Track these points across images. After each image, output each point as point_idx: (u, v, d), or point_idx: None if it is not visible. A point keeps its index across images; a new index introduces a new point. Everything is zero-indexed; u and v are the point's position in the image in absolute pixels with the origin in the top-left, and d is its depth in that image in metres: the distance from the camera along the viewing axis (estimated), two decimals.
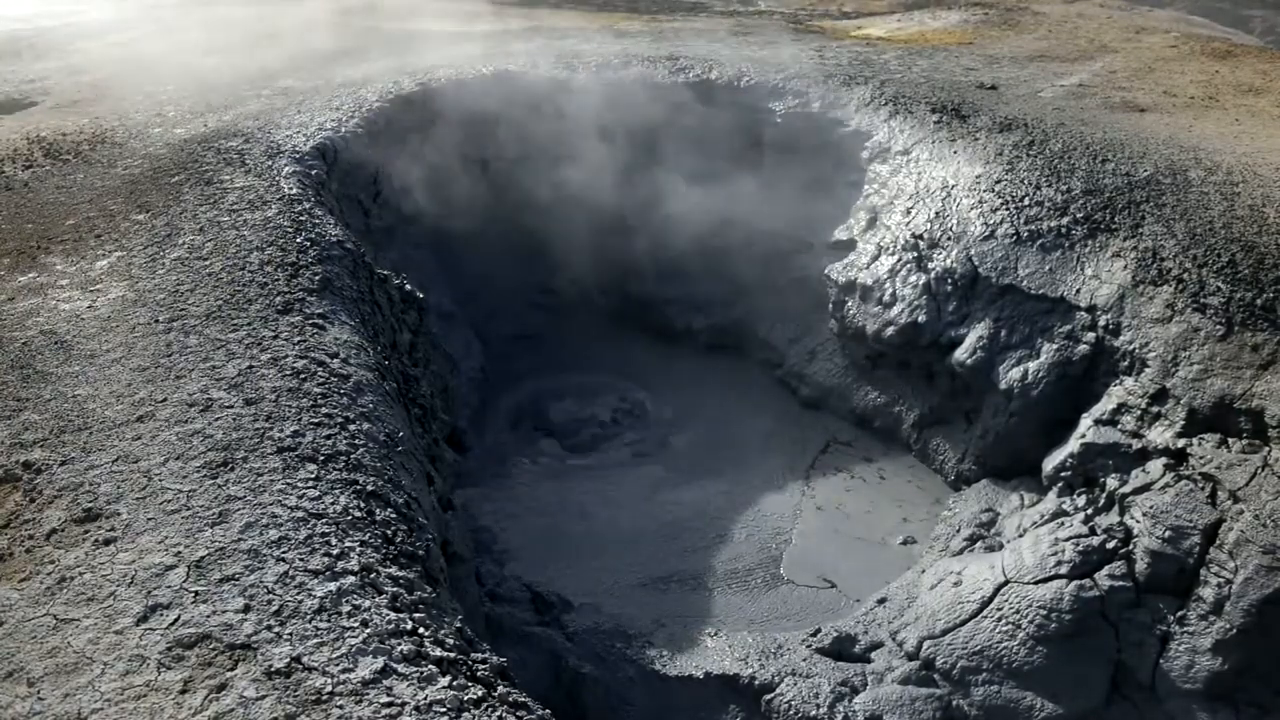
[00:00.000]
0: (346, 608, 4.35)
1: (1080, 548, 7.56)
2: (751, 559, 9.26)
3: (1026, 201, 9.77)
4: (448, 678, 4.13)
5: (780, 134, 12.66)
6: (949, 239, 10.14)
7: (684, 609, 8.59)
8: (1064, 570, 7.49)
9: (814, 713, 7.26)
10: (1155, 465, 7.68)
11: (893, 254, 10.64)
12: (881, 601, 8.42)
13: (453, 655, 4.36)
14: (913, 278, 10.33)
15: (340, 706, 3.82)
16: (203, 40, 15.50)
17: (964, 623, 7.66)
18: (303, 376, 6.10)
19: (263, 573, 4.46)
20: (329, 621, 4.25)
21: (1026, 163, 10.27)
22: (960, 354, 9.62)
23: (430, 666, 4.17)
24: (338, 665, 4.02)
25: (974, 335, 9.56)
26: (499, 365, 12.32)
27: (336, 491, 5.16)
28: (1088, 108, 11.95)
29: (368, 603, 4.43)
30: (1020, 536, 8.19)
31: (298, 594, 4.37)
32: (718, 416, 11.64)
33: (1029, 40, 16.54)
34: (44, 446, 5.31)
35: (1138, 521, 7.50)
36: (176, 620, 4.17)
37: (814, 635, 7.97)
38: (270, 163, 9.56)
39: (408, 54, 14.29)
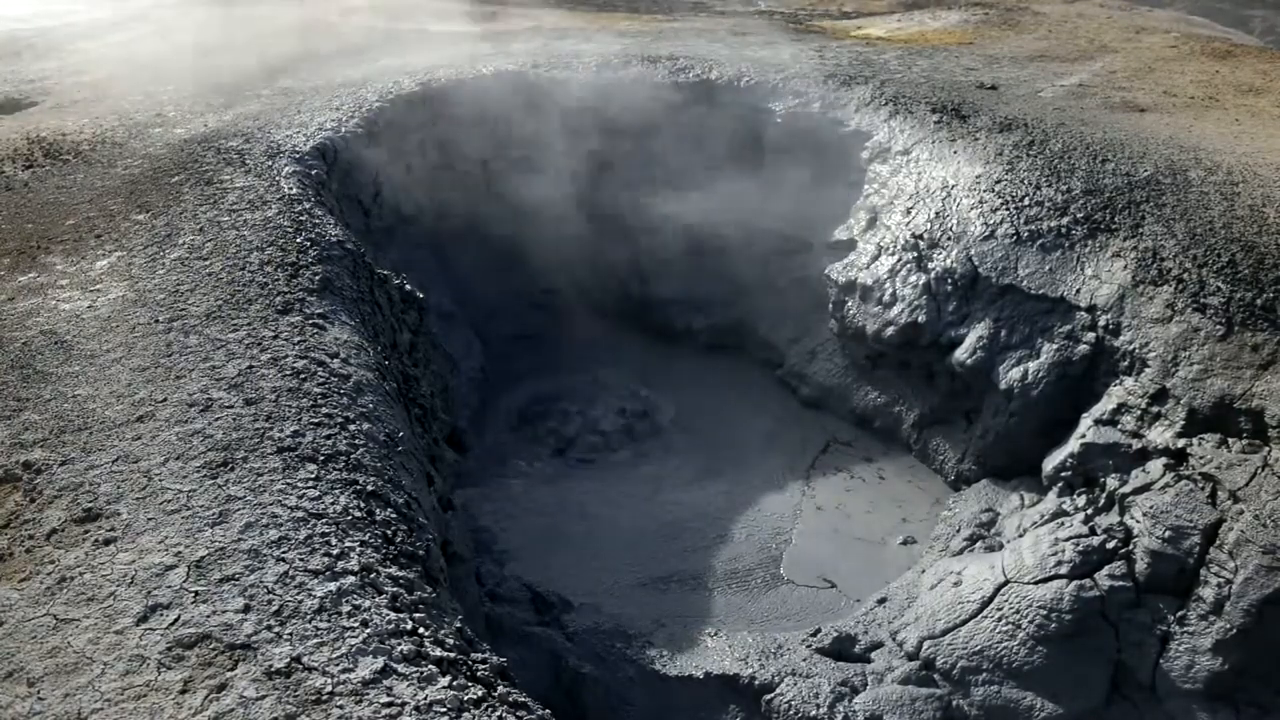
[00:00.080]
0: (346, 608, 4.35)
1: (1080, 548, 7.56)
2: (751, 559, 9.26)
3: (1026, 201, 9.78)
4: (448, 678, 4.13)
5: (780, 134, 12.66)
6: (949, 239, 10.14)
7: (684, 609, 8.59)
8: (1064, 570, 7.49)
9: (814, 713, 7.26)
10: (1155, 465, 7.68)
11: (893, 254, 10.64)
12: (881, 601, 8.42)
13: (453, 655, 4.36)
14: (913, 278, 10.33)
15: (340, 706, 3.82)
16: (202, 40, 15.49)
17: (964, 623, 7.66)
18: (303, 376, 6.10)
19: (263, 573, 4.46)
20: (329, 621, 4.25)
21: (1026, 163, 10.27)
22: (960, 354, 9.62)
23: (430, 666, 4.17)
24: (338, 665, 4.02)
25: (974, 335, 9.57)
26: (499, 365, 12.32)
27: (336, 491, 5.16)
28: (1088, 108, 11.95)
29: (368, 603, 4.43)
30: (1020, 536, 8.19)
31: (298, 594, 4.37)
32: (718, 416, 11.64)
33: (1029, 40, 16.54)
34: (44, 446, 5.31)
35: (1138, 521, 7.50)
36: (176, 620, 4.17)
37: (814, 635, 7.97)
38: (270, 163, 9.56)
39: (408, 54, 14.29)
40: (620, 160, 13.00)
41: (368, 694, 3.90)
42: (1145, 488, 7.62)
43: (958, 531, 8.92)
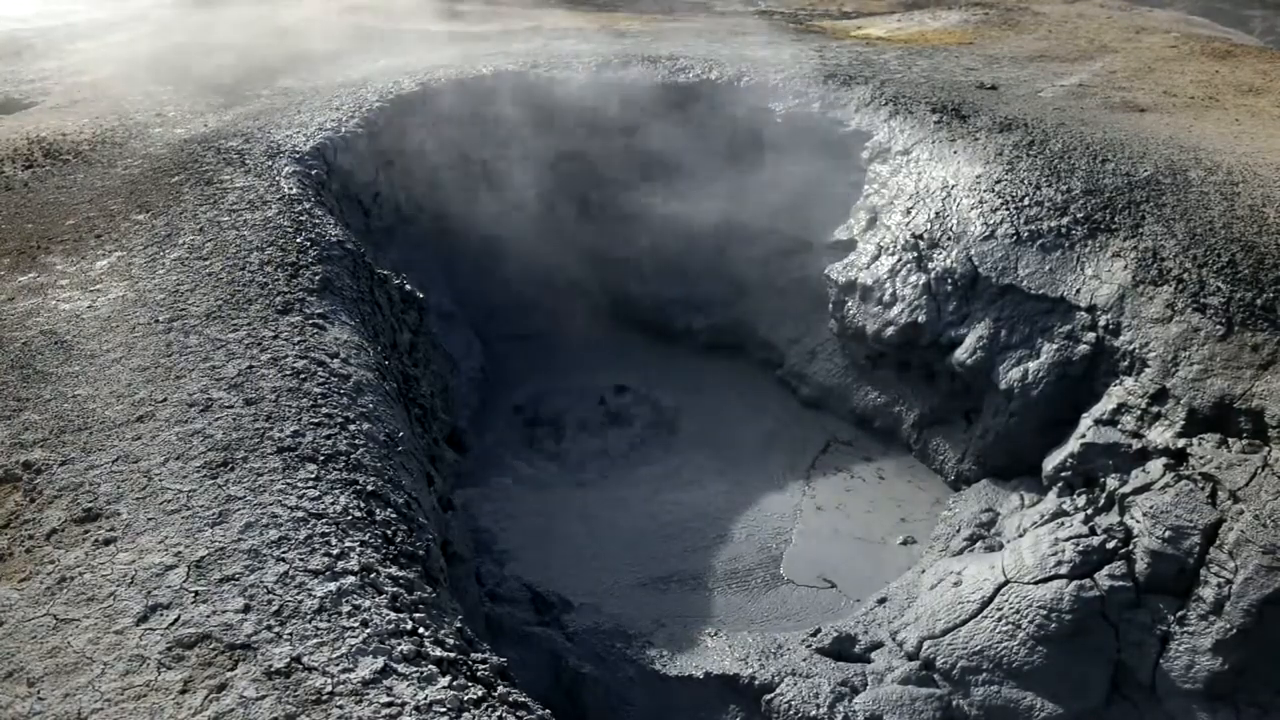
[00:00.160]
0: (346, 608, 4.35)
1: (1080, 548, 7.56)
2: (751, 559, 9.26)
3: (1026, 201, 9.77)
4: (448, 678, 4.13)
5: (780, 134, 12.66)
6: (949, 239, 10.14)
7: (684, 609, 8.59)
8: (1064, 570, 7.49)
9: (814, 713, 7.26)
10: (1155, 465, 7.68)
11: (893, 254, 10.64)
12: (881, 601, 8.42)
13: (453, 655, 4.36)
14: (913, 278, 10.33)
15: (340, 706, 3.82)
16: (202, 40, 15.49)
17: (964, 623, 7.66)
18: (303, 376, 6.10)
19: (263, 573, 4.46)
20: (329, 621, 4.25)
21: (1026, 163, 10.27)
22: (960, 354, 9.62)
23: (430, 666, 4.17)
24: (338, 665, 4.02)
25: (974, 335, 9.57)
26: (499, 365, 12.32)
27: (336, 491, 5.16)
28: (1088, 108, 11.95)
29: (368, 603, 4.43)
30: (1020, 536, 8.19)
31: (298, 594, 4.37)
32: (718, 416, 11.63)
33: (1029, 40, 16.54)
34: (44, 446, 5.31)
35: (1138, 521, 7.50)
36: (176, 620, 4.17)
37: (814, 635, 7.97)
38: (270, 163, 9.56)
39: (408, 54, 14.29)
40: (620, 160, 12.99)
41: (368, 694, 3.90)
42: (1145, 488, 7.62)
43: (958, 531, 8.92)
